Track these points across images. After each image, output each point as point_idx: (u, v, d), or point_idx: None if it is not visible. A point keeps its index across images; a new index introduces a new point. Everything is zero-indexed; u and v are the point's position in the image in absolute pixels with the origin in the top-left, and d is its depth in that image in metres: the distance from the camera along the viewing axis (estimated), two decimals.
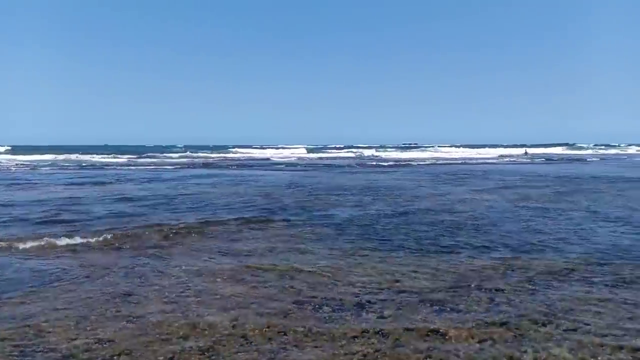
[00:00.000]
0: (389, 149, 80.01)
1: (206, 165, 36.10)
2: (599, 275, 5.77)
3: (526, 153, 60.58)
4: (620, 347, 3.75)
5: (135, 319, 4.52)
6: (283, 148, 76.23)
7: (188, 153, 54.53)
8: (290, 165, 35.99)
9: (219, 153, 60.18)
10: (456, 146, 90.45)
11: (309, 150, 70.77)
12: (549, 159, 45.22)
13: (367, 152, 67.05)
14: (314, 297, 5.16)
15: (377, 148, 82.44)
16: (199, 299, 5.12)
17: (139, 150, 62.58)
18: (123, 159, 45.64)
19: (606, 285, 5.41)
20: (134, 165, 34.61)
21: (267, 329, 4.27)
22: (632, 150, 78.15)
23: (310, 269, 6.19)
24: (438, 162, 40.40)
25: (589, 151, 74.92)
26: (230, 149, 70.87)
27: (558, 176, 21.68)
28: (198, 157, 51.00)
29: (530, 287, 5.39)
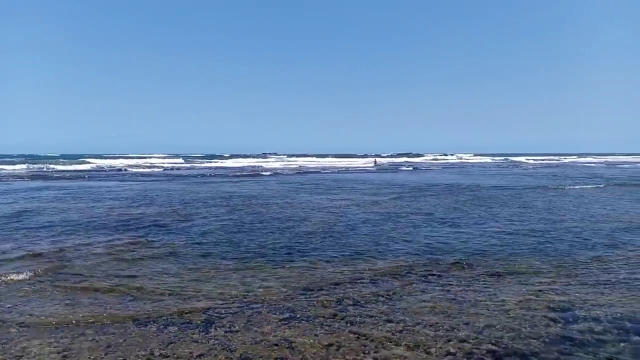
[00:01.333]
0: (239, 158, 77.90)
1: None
2: (435, 274, 6.35)
3: (375, 162, 64.78)
4: (449, 340, 4.11)
5: None
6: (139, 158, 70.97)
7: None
8: (148, 176, 33.75)
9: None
10: (319, 155, 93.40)
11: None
12: (396, 168, 49.17)
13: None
14: (159, 316, 4.79)
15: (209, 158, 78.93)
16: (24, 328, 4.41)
17: None
18: None
19: (442, 283, 5.96)
20: None
21: (104, 356, 3.84)
22: (454, 159, 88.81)
23: (156, 287, 5.77)
24: (285, 172, 41.34)
25: (429, 158, 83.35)
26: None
27: (402, 184, 23.67)
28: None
29: (375, 287, 5.70)
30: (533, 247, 7.99)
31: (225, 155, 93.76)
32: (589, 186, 20.92)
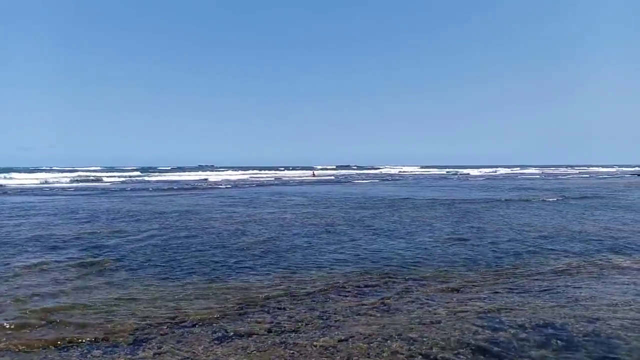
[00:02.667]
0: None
1: None
2: (369, 285, 6.41)
3: (314, 175, 66.20)
4: (382, 352, 4.13)
5: None
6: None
7: None
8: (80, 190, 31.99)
9: None
10: (259, 168, 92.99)
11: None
12: (337, 180, 49.75)
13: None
14: (82, 340, 4.48)
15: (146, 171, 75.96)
16: None
17: None
18: None
19: (376, 295, 6.02)
20: None
21: None
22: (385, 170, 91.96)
23: (81, 308, 5.41)
24: (223, 185, 40.80)
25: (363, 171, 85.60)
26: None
27: (340, 197, 23.96)
28: None
29: (310, 301, 5.66)
30: (464, 257, 8.29)
31: (162, 167, 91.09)
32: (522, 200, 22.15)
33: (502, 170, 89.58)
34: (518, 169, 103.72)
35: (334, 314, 5.23)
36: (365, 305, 5.54)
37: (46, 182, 41.23)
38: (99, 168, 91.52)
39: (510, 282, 6.52)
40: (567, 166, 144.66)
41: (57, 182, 42.50)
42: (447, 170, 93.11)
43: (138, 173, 63.79)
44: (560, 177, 57.96)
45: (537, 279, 6.71)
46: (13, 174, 50.86)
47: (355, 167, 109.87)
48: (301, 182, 44.29)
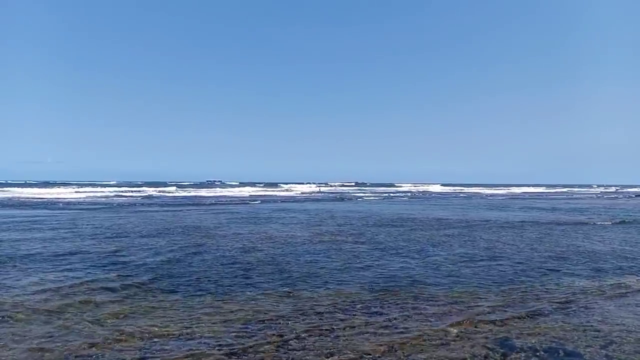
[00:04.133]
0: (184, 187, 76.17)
1: None
2: (378, 304, 6.34)
3: (319, 190, 68.48)
4: None
5: None
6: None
7: None
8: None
9: None
10: (268, 184, 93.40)
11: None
12: (341, 197, 49.69)
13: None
14: (88, 356, 4.46)
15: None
16: None
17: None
18: None
19: (385, 314, 5.95)
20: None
21: None
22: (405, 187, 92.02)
23: (86, 324, 5.39)
24: (231, 201, 40.87)
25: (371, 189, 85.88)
26: None
27: (346, 215, 23.90)
28: None
29: (318, 320, 5.61)
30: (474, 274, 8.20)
31: (169, 182, 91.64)
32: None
33: (515, 190, 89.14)
34: (530, 187, 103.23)
35: (342, 331, 5.17)
36: (374, 324, 5.47)
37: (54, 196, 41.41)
38: (114, 182, 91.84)
39: (523, 303, 6.43)
40: (577, 185, 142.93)
41: (62, 196, 42.76)
42: (462, 188, 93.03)
43: (152, 189, 63.33)
44: (581, 196, 57.55)
45: (544, 299, 6.61)
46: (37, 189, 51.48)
47: (368, 185, 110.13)
48: (311, 198, 44.25)
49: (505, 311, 6.02)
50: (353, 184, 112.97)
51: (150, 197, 45.02)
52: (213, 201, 37.32)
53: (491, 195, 61.69)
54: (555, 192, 76.06)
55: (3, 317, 5.58)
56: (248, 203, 34.41)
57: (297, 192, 62.25)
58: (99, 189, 60.57)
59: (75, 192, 50.87)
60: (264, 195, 52.72)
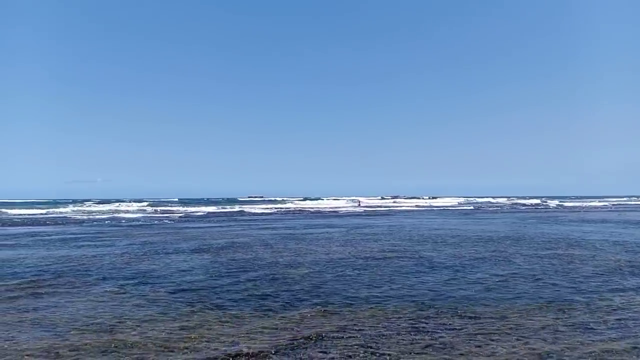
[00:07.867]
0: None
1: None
2: (423, 322, 6.24)
3: (359, 204, 69.64)
4: None
5: None
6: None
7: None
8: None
9: None
10: (310, 199, 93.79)
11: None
12: (386, 211, 49.16)
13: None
14: None
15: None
16: None
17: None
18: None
19: (431, 332, 5.85)
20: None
21: None
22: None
23: (138, 339, 5.57)
24: (273, 216, 41.10)
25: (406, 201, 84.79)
26: None
27: (389, 229, 23.63)
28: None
29: (362, 338, 5.57)
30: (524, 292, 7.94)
31: (214, 199, 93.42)
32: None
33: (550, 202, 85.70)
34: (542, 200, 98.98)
35: (387, 349, 5.12)
36: (420, 343, 5.37)
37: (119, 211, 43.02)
38: (174, 199, 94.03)
39: (573, 319, 6.18)
40: (591, 197, 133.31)
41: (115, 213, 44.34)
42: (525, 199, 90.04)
43: (213, 207, 62.83)
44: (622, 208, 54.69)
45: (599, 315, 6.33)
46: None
47: (403, 197, 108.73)
48: (353, 214, 44.12)
49: (557, 329, 5.79)
50: (395, 196, 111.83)
51: (231, 213, 45.97)
52: (257, 216, 37.72)
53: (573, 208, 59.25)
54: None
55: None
56: (291, 218, 34.58)
57: (337, 206, 62.51)
58: (161, 207, 60.42)
59: (139, 208, 52.81)
60: (308, 209, 52.95)
